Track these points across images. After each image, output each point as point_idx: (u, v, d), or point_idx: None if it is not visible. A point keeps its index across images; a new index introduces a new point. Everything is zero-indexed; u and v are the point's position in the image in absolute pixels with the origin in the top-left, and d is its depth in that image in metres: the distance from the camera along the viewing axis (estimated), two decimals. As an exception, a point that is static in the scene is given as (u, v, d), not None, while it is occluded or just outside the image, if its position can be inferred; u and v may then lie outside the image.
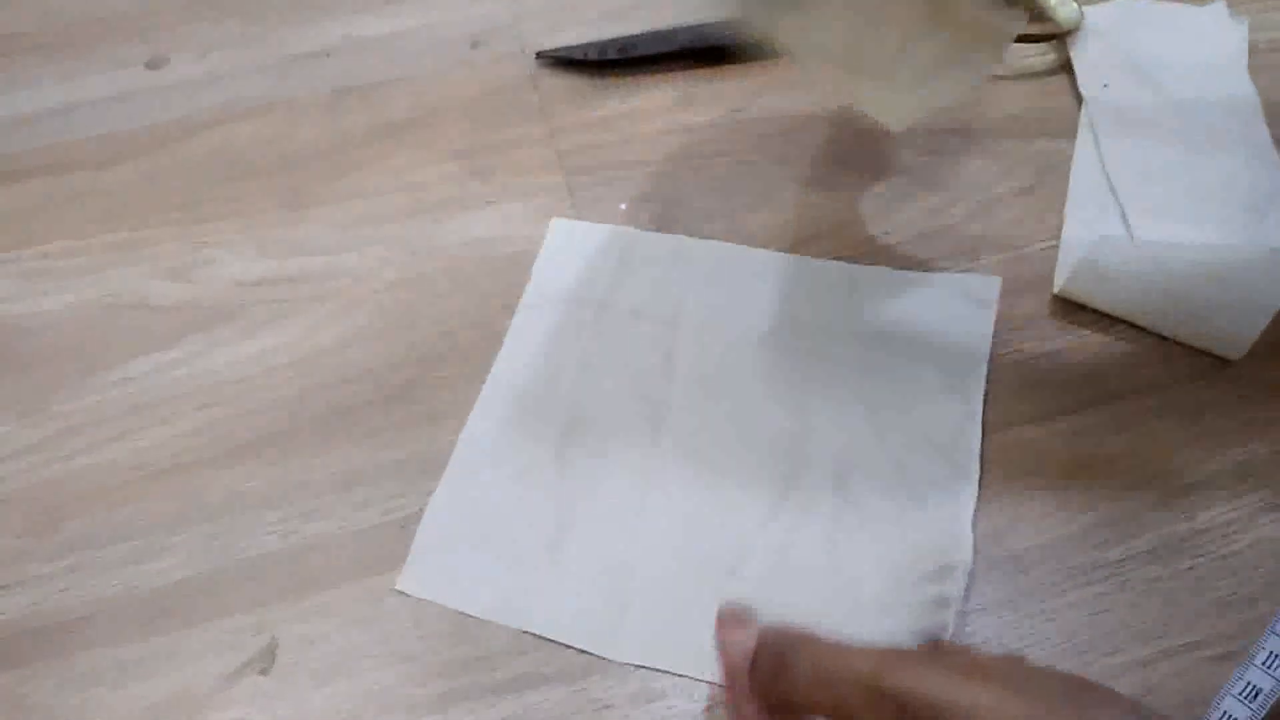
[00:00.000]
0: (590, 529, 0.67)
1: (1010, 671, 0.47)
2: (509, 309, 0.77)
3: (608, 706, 0.61)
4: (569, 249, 0.80)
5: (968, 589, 0.64)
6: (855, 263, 0.78)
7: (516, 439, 0.71)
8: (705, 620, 0.60)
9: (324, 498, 0.69)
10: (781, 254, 0.79)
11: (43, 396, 0.75)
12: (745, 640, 0.53)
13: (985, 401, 0.70)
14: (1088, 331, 0.74)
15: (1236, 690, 0.59)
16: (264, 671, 0.63)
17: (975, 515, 0.66)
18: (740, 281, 0.77)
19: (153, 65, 0.94)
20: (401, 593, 0.65)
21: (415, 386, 0.74)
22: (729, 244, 0.79)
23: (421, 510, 0.69)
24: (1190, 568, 0.64)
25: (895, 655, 0.48)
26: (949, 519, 0.66)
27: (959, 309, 0.74)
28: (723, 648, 0.54)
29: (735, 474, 0.69)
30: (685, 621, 0.63)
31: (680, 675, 0.62)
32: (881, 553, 0.65)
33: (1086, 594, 0.63)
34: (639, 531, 0.67)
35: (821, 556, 0.65)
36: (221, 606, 0.66)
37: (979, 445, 0.69)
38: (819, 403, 0.71)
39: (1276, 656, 0.60)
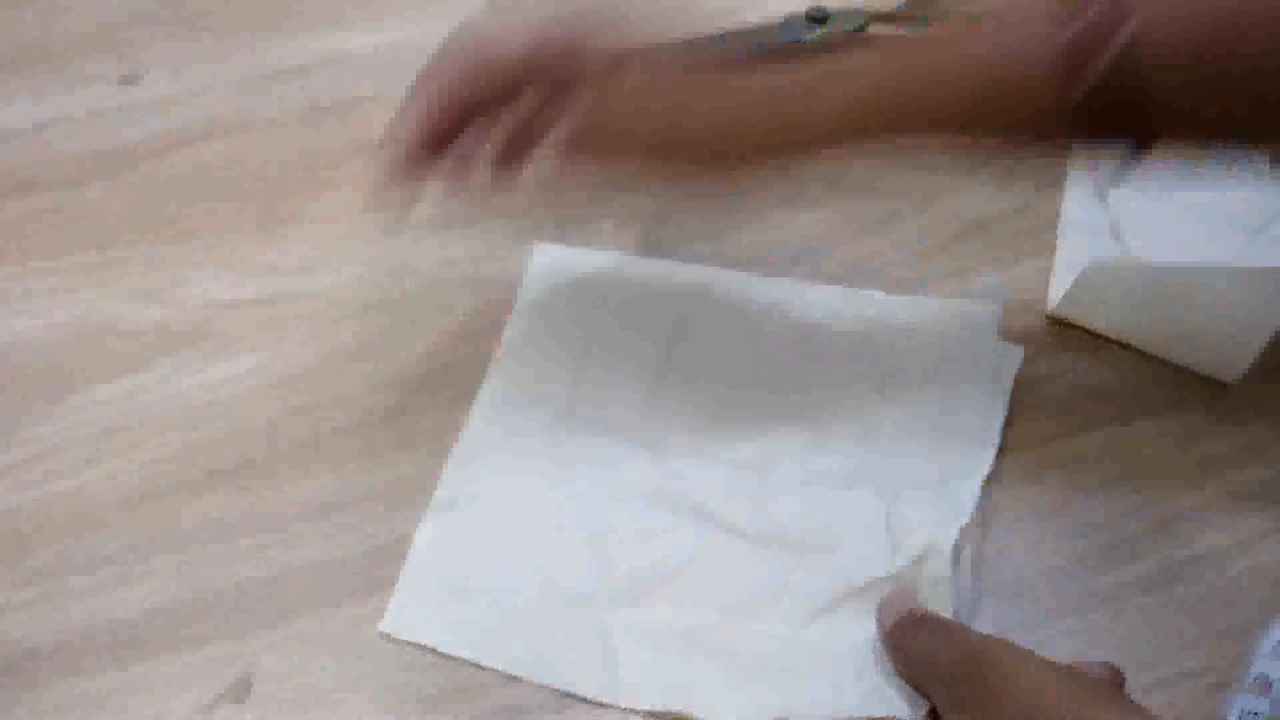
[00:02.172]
0: (581, 569, 0.66)
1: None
2: (491, 330, 0.76)
3: (604, 705, 0.61)
4: (553, 276, 0.79)
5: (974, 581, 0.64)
6: (846, 281, 0.78)
7: (502, 477, 0.70)
8: (702, 659, 0.62)
9: (300, 525, 0.68)
10: (773, 279, 0.78)
11: (12, 420, 0.74)
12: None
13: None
14: (1082, 354, 0.73)
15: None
16: (239, 701, 0.62)
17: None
18: (734, 307, 0.77)
19: (126, 82, 0.93)
20: (385, 634, 0.64)
21: (394, 411, 0.73)
22: (717, 269, 0.79)
23: (401, 538, 0.68)
24: (1186, 594, 0.64)
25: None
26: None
27: (962, 341, 0.74)
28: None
29: (737, 508, 0.67)
30: (681, 661, 0.62)
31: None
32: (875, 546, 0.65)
33: (1081, 622, 0.63)
34: (637, 568, 0.66)
35: (810, 604, 0.64)
36: (195, 636, 0.65)
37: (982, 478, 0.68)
38: (821, 436, 0.71)
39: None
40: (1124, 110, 0.58)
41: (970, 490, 0.67)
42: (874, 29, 0.90)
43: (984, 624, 0.63)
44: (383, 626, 0.64)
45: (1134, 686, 0.60)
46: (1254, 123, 0.61)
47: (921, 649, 0.58)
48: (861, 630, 0.62)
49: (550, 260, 0.80)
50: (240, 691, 0.62)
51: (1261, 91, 0.58)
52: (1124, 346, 0.73)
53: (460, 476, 0.70)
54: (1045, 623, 0.63)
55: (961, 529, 0.65)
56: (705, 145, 0.65)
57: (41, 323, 0.79)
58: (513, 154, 0.66)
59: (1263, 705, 0.57)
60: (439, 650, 0.63)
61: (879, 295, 0.77)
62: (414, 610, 0.65)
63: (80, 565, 0.67)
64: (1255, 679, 0.58)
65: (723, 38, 0.81)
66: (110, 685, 0.63)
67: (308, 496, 0.70)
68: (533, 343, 0.75)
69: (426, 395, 0.74)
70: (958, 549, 0.64)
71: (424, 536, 0.68)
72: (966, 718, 0.54)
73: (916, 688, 0.58)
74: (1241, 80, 0.58)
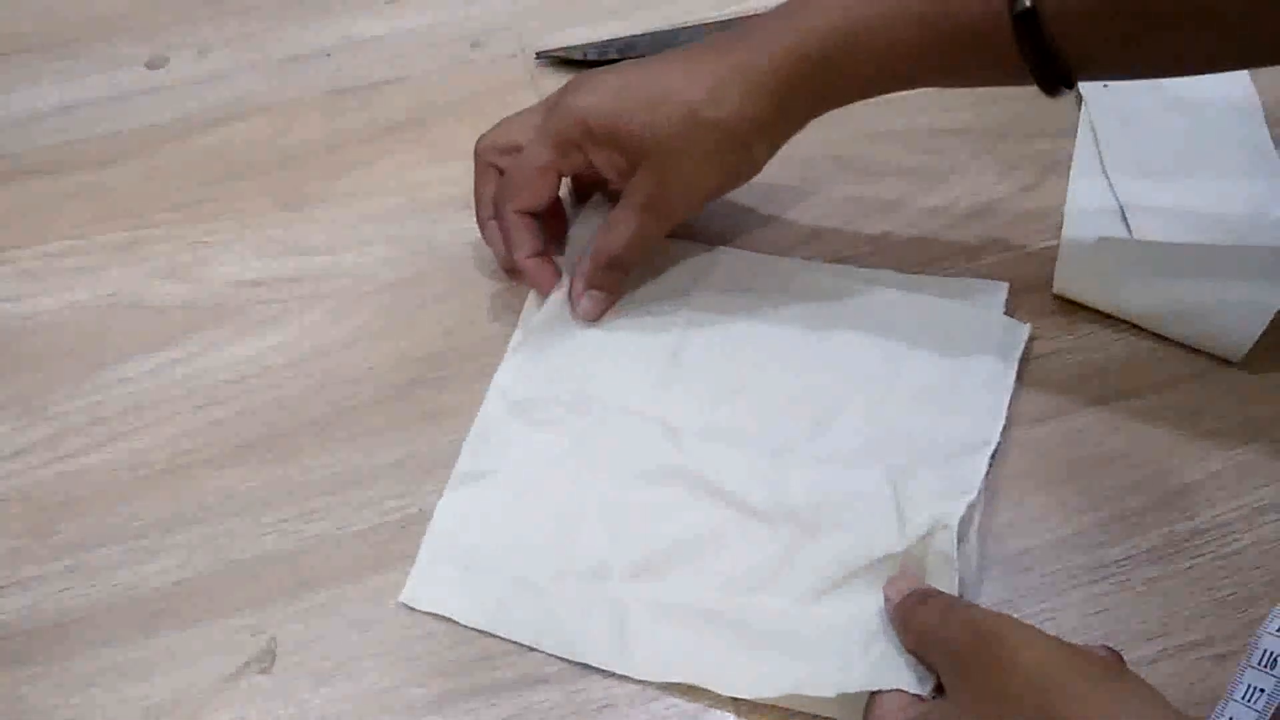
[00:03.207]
0: (595, 543, 0.67)
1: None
2: (510, 308, 0.77)
3: (608, 706, 0.61)
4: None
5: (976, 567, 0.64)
6: (857, 261, 0.78)
7: (519, 453, 0.71)
8: (713, 632, 0.62)
9: (323, 498, 0.69)
10: (793, 259, 0.79)
11: (41, 397, 0.75)
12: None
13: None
14: (1088, 332, 0.74)
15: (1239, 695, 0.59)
16: (264, 672, 0.63)
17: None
18: (748, 289, 0.77)
19: (152, 65, 0.94)
20: (404, 604, 0.65)
21: (414, 386, 0.74)
22: (733, 250, 0.79)
23: (421, 510, 0.68)
24: (1191, 567, 0.64)
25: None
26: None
27: (970, 319, 0.74)
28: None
29: (748, 486, 0.68)
30: (693, 634, 0.63)
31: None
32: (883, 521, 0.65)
33: (1087, 594, 0.63)
34: (650, 543, 0.66)
35: (820, 579, 0.64)
36: (220, 607, 0.65)
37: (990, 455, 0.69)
38: (832, 413, 0.71)
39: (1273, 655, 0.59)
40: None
41: (977, 467, 0.67)
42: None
43: (991, 595, 0.64)
44: (402, 597, 0.65)
45: (1139, 658, 0.61)
46: (1168, 69, 0.69)
47: (928, 624, 0.58)
48: (870, 605, 0.62)
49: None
50: (265, 661, 0.63)
51: (1165, 44, 0.64)
52: (1130, 325, 0.73)
53: (479, 451, 0.71)
54: (1052, 594, 0.63)
55: (969, 505, 0.65)
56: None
57: (69, 301, 0.79)
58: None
59: (1269, 683, 0.57)
60: (456, 621, 0.64)
61: (888, 274, 0.77)
62: (432, 582, 0.66)
63: (107, 538, 0.68)
64: (1262, 657, 0.58)
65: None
66: (137, 655, 0.64)
67: (330, 470, 0.70)
68: (550, 321, 0.75)
69: (447, 371, 0.74)
70: (964, 525, 0.64)
71: (443, 510, 0.68)
72: (973, 690, 0.54)
73: (923, 663, 0.59)
74: (1145, 39, 0.64)
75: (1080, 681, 0.51)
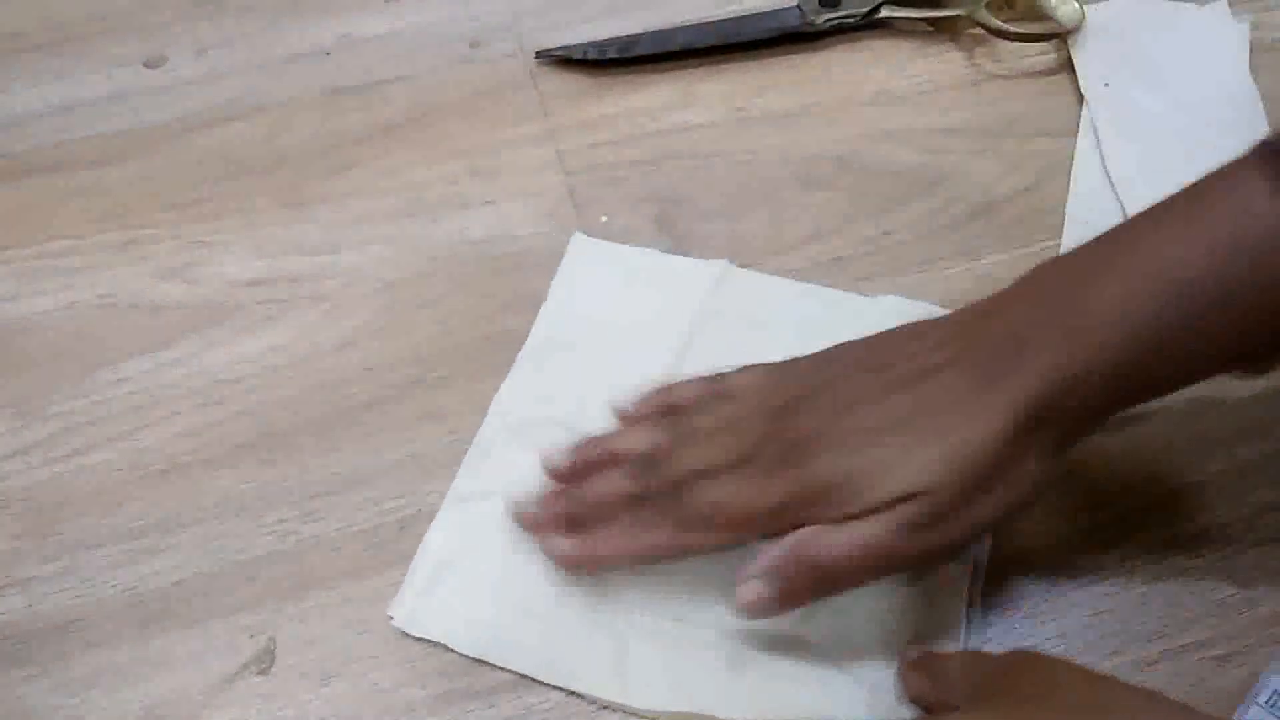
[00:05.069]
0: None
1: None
2: (509, 309, 0.77)
3: (606, 709, 0.61)
4: (586, 268, 0.79)
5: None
6: (858, 261, 0.78)
7: (519, 475, 0.68)
8: (712, 658, 0.62)
9: (323, 498, 0.69)
10: (804, 284, 0.78)
11: (40, 396, 0.74)
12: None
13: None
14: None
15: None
16: (263, 672, 0.63)
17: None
18: (745, 307, 0.77)
19: (151, 64, 0.93)
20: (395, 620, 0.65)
21: (414, 387, 0.74)
22: (740, 270, 0.78)
23: (421, 511, 0.68)
24: (1191, 568, 0.64)
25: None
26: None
27: None
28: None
29: None
30: (692, 661, 0.63)
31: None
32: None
33: (1087, 594, 0.64)
34: (650, 571, 0.65)
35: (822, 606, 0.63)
36: (219, 608, 0.65)
37: None
38: None
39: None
40: None
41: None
42: (886, 12, 0.90)
43: (991, 598, 0.64)
44: (395, 622, 0.64)
45: (1139, 659, 0.61)
46: None
47: (951, 669, 0.58)
48: (873, 631, 0.63)
49: (585, 253, 0.80)
50: (264, 662, 0.63)
51: None
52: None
53: (477, 473, 0.70)
54: (1054, 595, 0.64)
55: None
56: None
57: (68, 300, 0.79)
58: None
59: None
60: (449, 647, 0.63)
61: (890, 300, 0.76)
62: (427, 606, 0.65)
63: (106, 539, 0.68)
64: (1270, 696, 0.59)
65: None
66: (136, 656, 0.64)
67: (330, 471, 0.70)
68: (554, 340, 0.75)
69: (446, 371, 0.74)
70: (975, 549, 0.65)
71: (437, 530, 0.68)
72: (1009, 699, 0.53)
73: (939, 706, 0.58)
74: None
75: (1119, 685, 0.52)
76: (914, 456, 0.56)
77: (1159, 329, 0.55)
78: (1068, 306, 0.57)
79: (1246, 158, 0.56)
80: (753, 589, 0.58)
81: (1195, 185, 0.58)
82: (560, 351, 0.75)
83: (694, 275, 0.78)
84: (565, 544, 0.64)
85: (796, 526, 0.58)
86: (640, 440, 0.64)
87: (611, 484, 0.63)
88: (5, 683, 0.63)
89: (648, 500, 0.62)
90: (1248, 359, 0.59)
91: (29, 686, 0.63)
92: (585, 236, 0.80)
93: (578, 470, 0.65)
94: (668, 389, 0.67)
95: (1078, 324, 0.56)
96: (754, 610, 0.59)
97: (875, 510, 0.56)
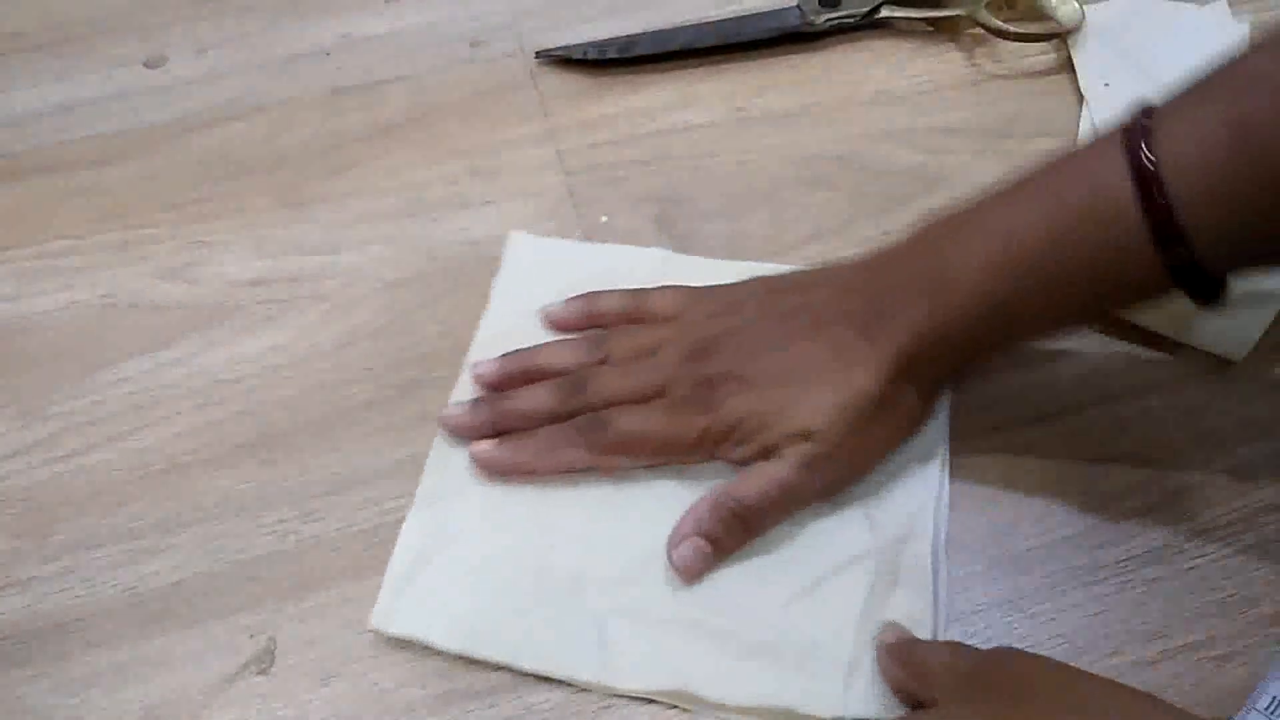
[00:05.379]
0: (569, 556, 0.66)
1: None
2: (510, 308, 0.77)
3: (607, 707, 0.61)
4: (530, 266, 0.79)
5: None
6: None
7: (479, 473, 0.69)
8: (693, 639, 0.62)
9: (322, 498, 0.69)
10: (743, 263, 0.78)
11: (39, 396, 0.74)
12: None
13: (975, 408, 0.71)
14: (1089, 331, 0.74)
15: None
16: (263, 672, 0.63)
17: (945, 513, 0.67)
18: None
19: (151, 64, 0.93)
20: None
21: (414, 386, 0.74)
22: (686, 256, 0.79)
23: (420, 511, 0.68)
24: (1191, 568, 0.64)
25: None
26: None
27: None
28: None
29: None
30: (673, 642, 0.63)
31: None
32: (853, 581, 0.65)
33: (1088, 594, 0.64)
34: (625, 554, 0.66)
35: (795, 582, 0.64)
36: (219, 608, 0.65)
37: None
38: None
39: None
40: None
41: (933, 473, 0.68)
42: (886, 12, 0.90)
43: (990, 597, 0.64)
44: (374, 623, 0.64)
45: (1139, 659, 0.61)
46: None
47: (930, 658, 0.59)
48: (846, 609, 0.63)
49: (525, 250, 0.80)
50: (264, 661, 0.63)
51: None
52: (1131, 324, 0.73)
53: (443, 470, 0.70)
54: (1052, 594, 0.64)
55: (935, 509, 0.66)
56: None
57: (68, 300, 0.79)
58: None
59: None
60: (430, 645, 0.63)
61: None
62: (404, 606, 0.64)
63: (105, 539, 0.68)
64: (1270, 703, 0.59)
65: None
66: (135, 656, 0.64)
67: (330, 470, 0.70)
68: (500, 338, 0.74)
69: (446, 372, 0.74)
70: (936, 530, 0.65)
71: (409, 532, 0.67)
72: (986, 698, 0.54)
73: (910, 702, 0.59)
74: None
75: (1099, 681, 0.52)
76: (810, 400, 0.65)
77: (1006, 297, 0.63)
78: (934, 271, 0.65)
79: (1119, 127, 0.62)
80: (687, 548, 0.64)
81: (1068, 155, 0.65)
82: (511, 347, 0.73)
83: (634, 263, 0.78)
84: (488, 446, 0.69)
85: (705, 459, 0.67)
86: (564, 357, 0.71)
87: (535, 399, 0.69)
88: (5, 683, 0.63)
89: (568, 418, 0.68)
90: (1102, 319, 0.72)
91: (29, 686, 0.63)
92: (522, 234, 0.80)
93: (504, 381, 0.71)
94: (592, 297, 0.74)
95: (939, 287, 0.64)
96: (693, 568, 0.64)
97: (776, 447, 0.64)
